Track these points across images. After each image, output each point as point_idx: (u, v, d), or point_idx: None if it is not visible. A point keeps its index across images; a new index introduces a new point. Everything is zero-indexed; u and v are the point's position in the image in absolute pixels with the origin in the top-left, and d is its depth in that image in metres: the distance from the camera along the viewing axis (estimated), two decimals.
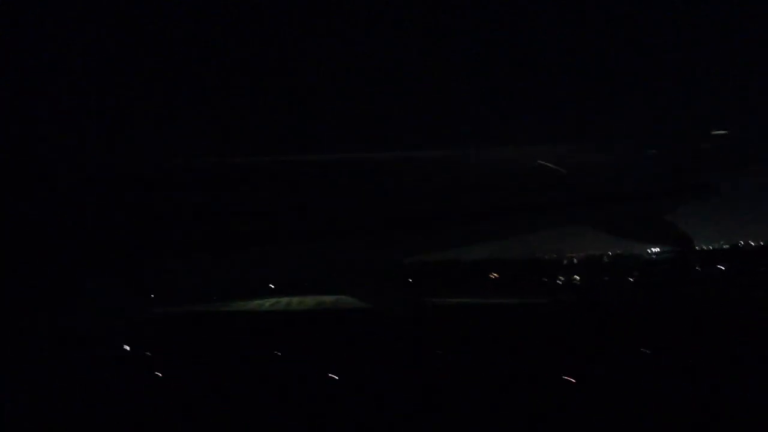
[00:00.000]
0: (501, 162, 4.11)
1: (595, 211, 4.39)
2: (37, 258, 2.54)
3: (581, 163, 4.23)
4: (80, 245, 2.73)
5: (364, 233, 3.50)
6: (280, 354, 17.22)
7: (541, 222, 4.39)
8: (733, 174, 4.84)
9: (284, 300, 33.12)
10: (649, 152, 4.55)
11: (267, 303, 32.65)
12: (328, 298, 32.25)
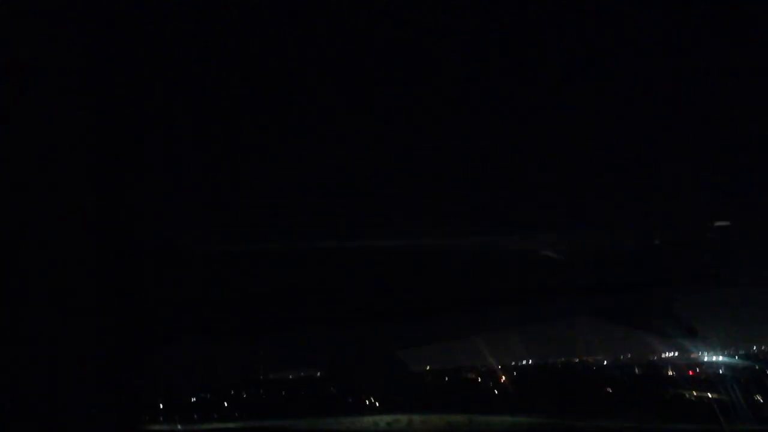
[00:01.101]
0: (502, 251, 4.17)
1: (598, 302, 4.45)
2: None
3: (583, 253, 4.30)
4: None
5: (360, 323, 3.51)
6: None
7: (540, 312, 4.43)
8: (735, 266, 4.88)
9: (404, 418, 31.40)
10: (651, 242, 4.62)
11: (384, 420, 31.90)
12: (459, 418, 29.89)
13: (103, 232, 2.59)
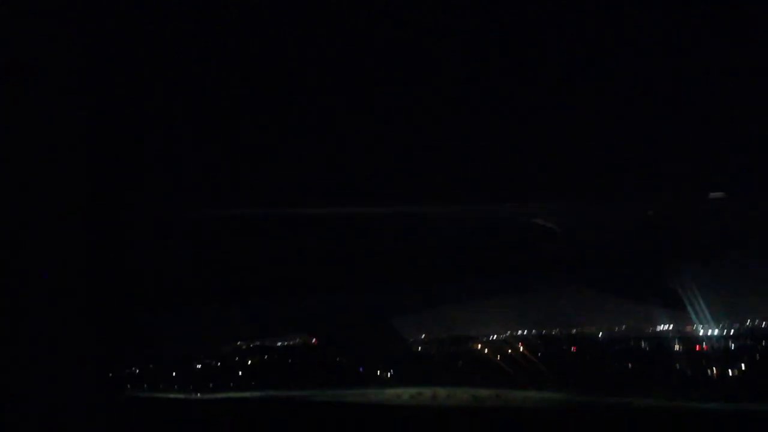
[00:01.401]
0: (496, 220, 4.24)
1: (592, 273, 4.53)
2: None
3: (578, 224, 4.34)
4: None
5: (356, 290, 3.53)
6: None
7: (536, 283, 4.50)
8: (730, 237, 4.86)
9: (428, 391, 32.19)
10: (646, 213, 4.63)
11: (407, 393, 32.46)
12: (486, 392, 30.72)
13: (93, 218, 2.65)
